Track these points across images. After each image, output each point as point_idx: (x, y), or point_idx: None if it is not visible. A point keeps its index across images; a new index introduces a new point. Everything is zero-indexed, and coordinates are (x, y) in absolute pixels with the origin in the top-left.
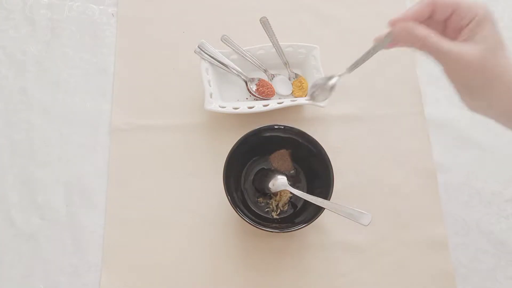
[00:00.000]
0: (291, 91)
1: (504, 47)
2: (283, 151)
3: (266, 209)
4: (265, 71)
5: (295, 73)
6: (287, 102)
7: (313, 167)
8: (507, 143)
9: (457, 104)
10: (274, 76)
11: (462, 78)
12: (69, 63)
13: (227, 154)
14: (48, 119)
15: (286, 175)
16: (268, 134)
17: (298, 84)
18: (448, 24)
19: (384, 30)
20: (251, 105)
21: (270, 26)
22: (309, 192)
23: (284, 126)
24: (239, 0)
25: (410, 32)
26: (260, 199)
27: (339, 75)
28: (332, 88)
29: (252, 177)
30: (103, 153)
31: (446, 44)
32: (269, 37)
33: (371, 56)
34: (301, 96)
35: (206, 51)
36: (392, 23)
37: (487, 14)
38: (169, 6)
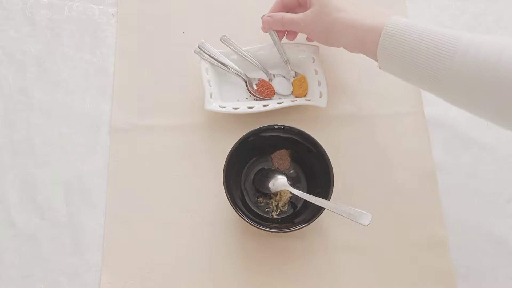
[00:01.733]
0: (291, 92)
1: (335, 2)
2: (283, 151)
3: (266, 209)
4: (265, 71)
5: (295, 72)
6: (287, 102)
7: (313, 167)
8: (506, 142)
9: None
10: (274, 77)
11: (318, 33)
12: (69, 63)
13: (227, 154)
14: (48, 119)
15: (286, 175)
16: (268, 134)
17: (298, 83)
18: (301, 3)
19: None
20: (251, 105)
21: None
22: (309, 192)
23: (284, 126)
24: (239, 0)
25: (273, 18)
26: (260, 199)
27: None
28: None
29: (252, 177)
30: (103, 153)
31: (296, 15)
32: (270, 34)
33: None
34: (301, 95)
35: (206, 51)
36: (262, 18)
37: None
38: (169, 6)
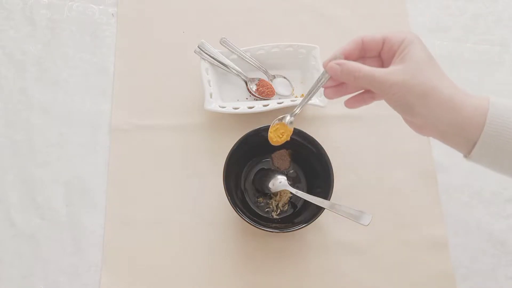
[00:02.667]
0: (291, 92)
1: (434, 63)
2: (283, 151)
3: (266, 209)
4: (265, 72)
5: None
6: (287, 102)
7: (313, 167)
8: None
9: None
10: (274, 77)
11: (399, 100)
12: (69, 63)
13: (227, 154)
14: (48, 119)
15: (286, 175)
16: (268, 134)
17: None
18: (382, 56)
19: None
20: (251, 105)
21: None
22: (309, 192)
23: None
24: (239, 0)
25: (342, 68)
26: (260, 199)
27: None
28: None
29: (252, 177)
30: (103, 153)
31: (377, 71)
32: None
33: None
34: (278, 143)
35: (206, 51)
36: (324, 65)
37: (414, 37)
38: (169, 6)
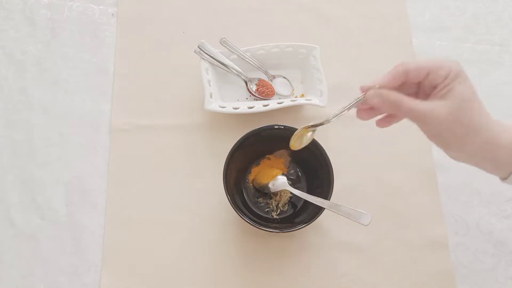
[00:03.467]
0: (291, 92)
1: (477, 101)
2: (283, 151)
3: (266, 209)
4: (265, 72)
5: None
6: (287, 102)
7: (313, 167)
8: None
9: None
10: (274, 78)
11: (438, 135)
12: (69, 63)
13: (227, 154)
14: (48, 119)
15: (286, 175)
16: (268, 134)
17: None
18: (421, 85)
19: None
20: (251, 105)
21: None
22: (309, 192)
23: (284, 126)
24: (239, 0)
25: (383, 98)
26: (260, 199)
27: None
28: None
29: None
30: (103, 153)
31: (419, 105)
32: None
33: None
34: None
35: (206, 51)
36: (363, 90)
37: (460, 70)
38: (169, 6)
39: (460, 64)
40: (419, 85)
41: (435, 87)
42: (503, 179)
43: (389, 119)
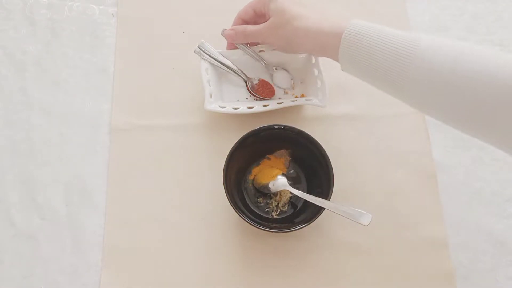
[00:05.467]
0: (291, 84)
1: (292, 9)
2: (283, 151)
3: (266, 209)
4: (266, 65)
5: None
6: (287, 102)
7: (313, 167)
8: None
9: None
10: (275, 70)
11: (274, 43)
12: (69, 63)
13: (227, 154)
14: (48, 119)
15: (286, 175)
16: (268, 134)
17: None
18: (259, 16)
19: None
20: (251, 105)
21: None
22: (309, 192)
23: (284, 126)
24: (240, 0)
25: (235, 32)
26: (260, 199)
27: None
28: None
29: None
30: (103, 153)
31: (254, 27)
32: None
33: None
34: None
35: (206, 51)
36: (223, 33)
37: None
38: (169, 6)
39: None
40: (259, 20)
41: (265, 15)
42: (342, 69)
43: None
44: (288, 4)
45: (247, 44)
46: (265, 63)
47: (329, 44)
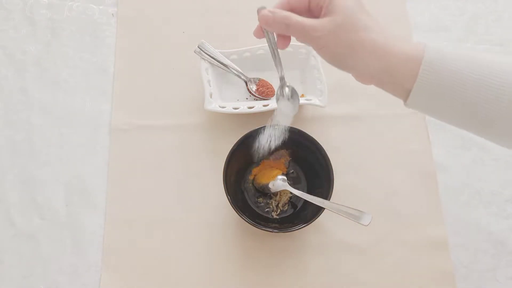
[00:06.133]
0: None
1: (361, 13)
2: (283, 151)
3: (266, 209)
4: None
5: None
6: None
7: (313, 167)
8: None
9: None
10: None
11: (324, 51)
12: (69, 63)
13: (227, 154)
14: (48, 119)
15: (286, 175)
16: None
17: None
18: (310, 10)
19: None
20: (251, 105)
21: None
22: (309, 192)
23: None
24: (240, 0)
25: (275, 16)
26: (260, 199)
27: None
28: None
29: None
30: (103, 153)
31: (306, 21)
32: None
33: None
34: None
35: (206, 51)
36: (258, 11)
37: None
38: (169, 6)
39: None
40: (309, 12)
41: (321, 8)
42: (405, 102)
43: (283, 40)
44: (358, 7)
45: (279, 38)
46: (281, 75)
47: (400, 69)
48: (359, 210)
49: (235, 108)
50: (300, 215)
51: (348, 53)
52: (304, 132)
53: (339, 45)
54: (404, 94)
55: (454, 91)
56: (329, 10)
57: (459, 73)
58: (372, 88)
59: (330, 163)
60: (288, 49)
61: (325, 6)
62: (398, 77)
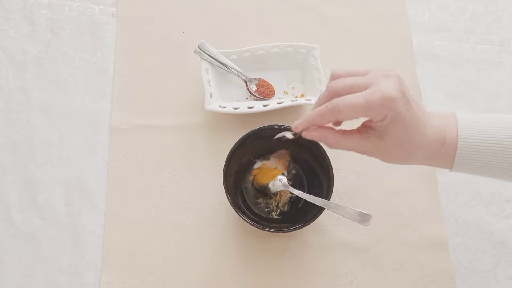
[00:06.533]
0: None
1: (411, 127)
2: (283, 151)
3: (266, 209)
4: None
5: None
6: (287, 102)
7: (313, 167)
8: None
9: (457, 103)
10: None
11: (377, 156)
12: (69, 63)
13: (227, 154)
14: (48, 119)
15: (286, 175)
16: (268, 134)
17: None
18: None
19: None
20: (251, 105)
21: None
22: (309, 192)
23: (284, 126)
24: (239, 0)
25: (320, 140)
26: (260, 199)
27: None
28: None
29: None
30: (103, 153)
31: (358, 147)
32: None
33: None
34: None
35: (206, 51)
36: (296, 129)
37: (395, 112)
38: (169, 6)
39: (396, 104)
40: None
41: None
42: (450, 169)
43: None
44: (407, 107)
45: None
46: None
47: (438, 155)
48: (359, 210)
49: (235, 108)
50: (300, 215)
51: (402, 156)
52: None
53: (394, 152)
54: (449, 165)
55: (495, 159)
56: (379, 133)
57: (494, 143)
58: None
59: (330, 163)
60: (288, 49)
61: (375, 128)
62: (437, 161)
